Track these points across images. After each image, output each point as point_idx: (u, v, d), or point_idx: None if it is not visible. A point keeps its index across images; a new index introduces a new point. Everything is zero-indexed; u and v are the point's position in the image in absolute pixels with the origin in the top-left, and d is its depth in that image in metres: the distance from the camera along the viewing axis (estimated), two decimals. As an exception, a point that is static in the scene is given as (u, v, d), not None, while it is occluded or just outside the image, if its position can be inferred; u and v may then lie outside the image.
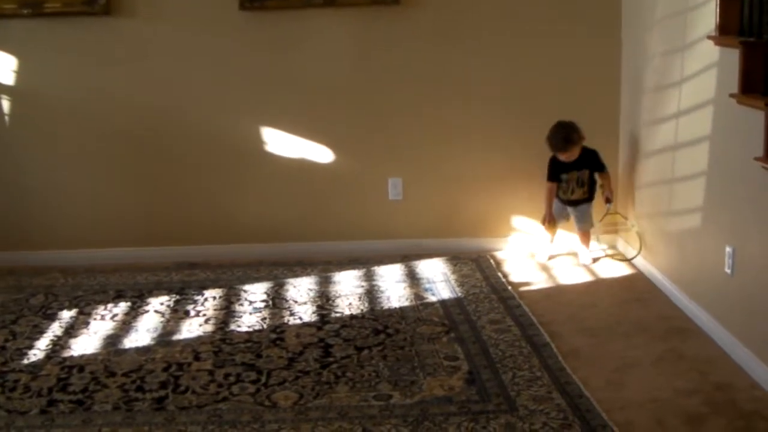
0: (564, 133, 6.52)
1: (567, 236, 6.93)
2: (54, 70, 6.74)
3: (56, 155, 6.85)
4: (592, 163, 6.68)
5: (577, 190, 6.68)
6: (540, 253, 6.87)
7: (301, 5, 6.65)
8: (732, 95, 4.88)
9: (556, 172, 6.69)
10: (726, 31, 5.09)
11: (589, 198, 6.72)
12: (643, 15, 6.38)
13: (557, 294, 6.17)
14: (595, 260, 6.76)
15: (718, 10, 5.10)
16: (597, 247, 6.92)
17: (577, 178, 6.67)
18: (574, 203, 6.72)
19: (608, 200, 6.74)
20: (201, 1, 6.70)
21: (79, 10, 6.57)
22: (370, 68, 6.82)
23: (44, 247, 6.93)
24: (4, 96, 6.76)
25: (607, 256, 6.84)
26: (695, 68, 5.49)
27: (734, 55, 4.89)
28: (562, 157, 6.60)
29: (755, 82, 4.79)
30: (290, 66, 6.78)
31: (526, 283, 6.35)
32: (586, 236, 6.77)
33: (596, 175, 6.72)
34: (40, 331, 5.58)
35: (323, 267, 6.70)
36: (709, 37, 5.20)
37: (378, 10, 6.69)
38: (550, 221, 6.77)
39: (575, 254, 6.83)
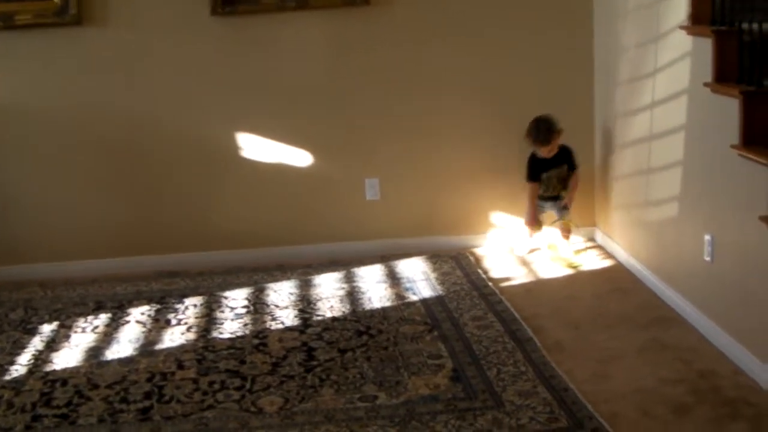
0: (546, 126, 6.53)
1: (546, 231, 6.93)
2: (27, 81, 6.70)
3: (31, 167, 6.80)
4: (569, 159, 6.70)
5: (557, 186, 6.70)
6: (519, 247, 6.87)
7: (273, 9, 6.64)
8: (706, 84, 4.91)
9: (536, 171, 6.69)
10: (698, 20, 5.11)
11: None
12: (615, 6, 6.40)
13: (538, 288, 6.18)
14: (577, 252, 6.77)
15: (689, -1, 5.14)
16: (576, 240, 6.93)
17: (557, 175, 6.68)
18: (553, 198, 6.73)
19: (566, 206, 6.77)
20: (172, 8, 6.67)
21: (50, 21, 6.53)
22: (344, 69, 6.81)
23: (21, 261, 6.87)
24: (-24, 110, 6.75)
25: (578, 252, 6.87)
26: (668, 58, 5.51)
27: (707, 44, 4.91)
28: (543, 152, 6.59)
29: (729, 70, 4.82)
30: (264, 70, 6.77)
31: (507, 279, 6.36)
32: (566, 229, 6.79)
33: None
34: (21, 346, 5.53)
35: (303, 270, 6.68)
36: (682, 27, 5.22)
37: (350, 12, 6.69)
38: (535, 223, 6.78)
39: (555, 248, 6.83)
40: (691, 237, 5.28)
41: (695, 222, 5.25)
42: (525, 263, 6.66)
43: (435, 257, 6.82)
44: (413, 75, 6.83)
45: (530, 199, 6.75)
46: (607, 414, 4.31)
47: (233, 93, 6.79)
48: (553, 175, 6.68)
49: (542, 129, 6.52)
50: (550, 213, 6.81)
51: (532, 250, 6.86)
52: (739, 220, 4.68)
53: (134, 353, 5.34)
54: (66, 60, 6.68)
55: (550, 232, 6.87)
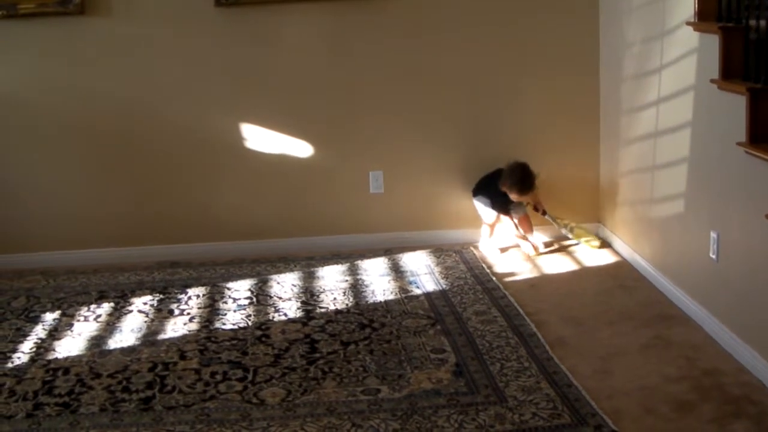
0: (531, 177, 6.64)
1: (511, 227, 6.99)
2: (30, 70, 6.68)
3: (33, 157, 6.78)
4: None
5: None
6: (488, 248, 6.87)
7: (278, 0, 6.62)
8: (713, 81, 4.89)
9: (505, 205, 6.79)
10: (705, 16, 5.10)
11: None
12: (621, 2, 6.38)
13: (542, 283, 6.17)
14: (546, 245, 6.89)
15: (696, -5, 5.13)
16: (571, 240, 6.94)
17: (518, 204, 6.82)
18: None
19: (544, 212, 6.85)
20: (176, -2, 6.67)
21: (53, 11, 6.51)
22: (349, 62, 6.79)
23: (24, 250, 6.86)
24: (-21, 98, 6.73)
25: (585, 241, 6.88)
26: (675, 54, 5.49)
27: (714, 41, 4.90)
28: (515, 197, 6.69)
29: (735, 67, 4.81)
30: (268, 61, 6.75)
31: (511, 274, 6.34)
32: (527, 221, 6.88)
33: None
34: (24, 334, 5.53)
35: (306, 262, 6.67)
36: (688, 23, 5.21)
37: (355, 3, 6.67)
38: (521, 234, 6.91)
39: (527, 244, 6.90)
40: (697, 234, 5.27)
41: (701, 219, 5.24)
42: (529, 258, 6.65)
43: (439, 251, 6.81)
44: (418, 68, 6.81)
45: (514, 223, 6.88)
46: (611, 411, 4.31)
47: (237, 84, 6.77)
48: (515, 206, 6.83)
49: (528, 179, 6.63)
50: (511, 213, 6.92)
51: (504, 249, 6.88)
52: (745, 218, 4.67)
53: (136, 343, 5.34)
54: (69, 50, 6.66)
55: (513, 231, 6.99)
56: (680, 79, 5.43)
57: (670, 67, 5.60)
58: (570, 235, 6.88)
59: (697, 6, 5.13)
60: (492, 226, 6.86)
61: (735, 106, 4.66)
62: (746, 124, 4.56)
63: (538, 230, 6.93)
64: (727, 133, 4.78)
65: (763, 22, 4.58)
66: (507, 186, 6.65)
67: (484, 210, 6.81)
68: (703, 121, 5.19)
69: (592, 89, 6.87)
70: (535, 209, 6.83)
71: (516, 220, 6.87)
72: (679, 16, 5.39)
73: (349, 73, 6.81)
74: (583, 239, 6.83)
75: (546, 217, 6.85)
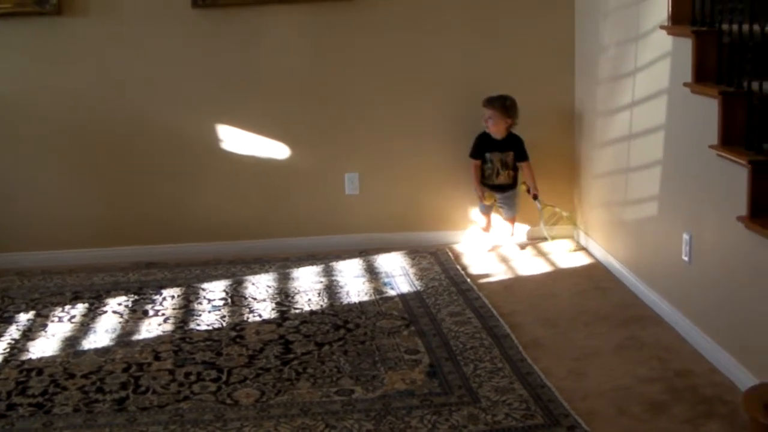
0: (503, 98, 6.67)
1: (501, 225, 7.03)
2: (6, 70, 6.66)
3: (9, 156, 6.76)
4: (516, 147, 6.77)
5: (502, 172, 6.78)
6: (480, 246, 6.91)
7: (255, 2, 6.62)
8: (686, 84, 4.92)
9: (481, 149, 6.78)
10: (678, 20, 5.13)
11: (513, 184, 6.83)
12: (597, 5, 6.41)
13: (516, 285, 6.18)
14: (522, 247, 6.91)
15: (670, -1, 5.15)
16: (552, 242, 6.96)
17: (500, 159, 6.76)
18: (499, 189, 6.82)
19: (535, 197, 6.85)
20: (153, -1, 6.66)
21: (30, 10, 6.50)
22: (326, 64, 6.80)
23: (-1, 250, 6.87)
24: (-45, 98, 6.70)
25: (575, 249, 6.89)
26: (649, 58, 5.52)
27: (687, 45, 4.93)
28: (490, 127, 6.68)
29: (708, 70, 4.84)
30: (244, 63, 6.76)
31: (485, 275, 6.36)
32: (511, 222, 6.92)
33: (518, 164, 6.83)
34: (-3, 335, 5.53)
35: (281, 263, 6.67)
36: (662, 27, 5.23)
37: (332, 6, 6.68)
38: (482, 195, 6.85)
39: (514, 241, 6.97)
40: (670, 236, 5.30)
41: (673, 221, 5.26)
42: (504, 260, 6.67)
43: (414, 252, 6.82)
44: (395, 70, 6.83)
45: (474, 175, 6.82)
46: (584, 411, 4.32)
47: (214, 85, 6.77)
48: (497, 158, 6.77)
49: (496, 96, 6.65)
50: (499, 208, 6.92)
51: (494, 248, 6.89)
52: (717, 220, 4.69)
53: (111, 343, 5.32)
54: (46, 50, 6.65)
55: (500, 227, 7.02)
56: (654, 82, 5.47)
57: (644, 71, 5.63)
58: (548, 236, 6.91)
59: (670, 10, 5.16)
60: (485, 229, 6.90)
61: (707, 109, 4.69)
62: (718, 127, 4.59)
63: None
64: (699, 135, 4.80)
65: (735, 26, 4.61)
66: (484, 102, 6.70)
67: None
68: (676, 124, 5.22)
69: (568, 91, 6.89)
70: (527, 191, 6.83)
71: (505, 218, 6.92)
72: (653, 19, 5.42)
73: (327, 75, 6.82)
74: (568, 245, 6.87)
75: (536, 203, 6.85)
